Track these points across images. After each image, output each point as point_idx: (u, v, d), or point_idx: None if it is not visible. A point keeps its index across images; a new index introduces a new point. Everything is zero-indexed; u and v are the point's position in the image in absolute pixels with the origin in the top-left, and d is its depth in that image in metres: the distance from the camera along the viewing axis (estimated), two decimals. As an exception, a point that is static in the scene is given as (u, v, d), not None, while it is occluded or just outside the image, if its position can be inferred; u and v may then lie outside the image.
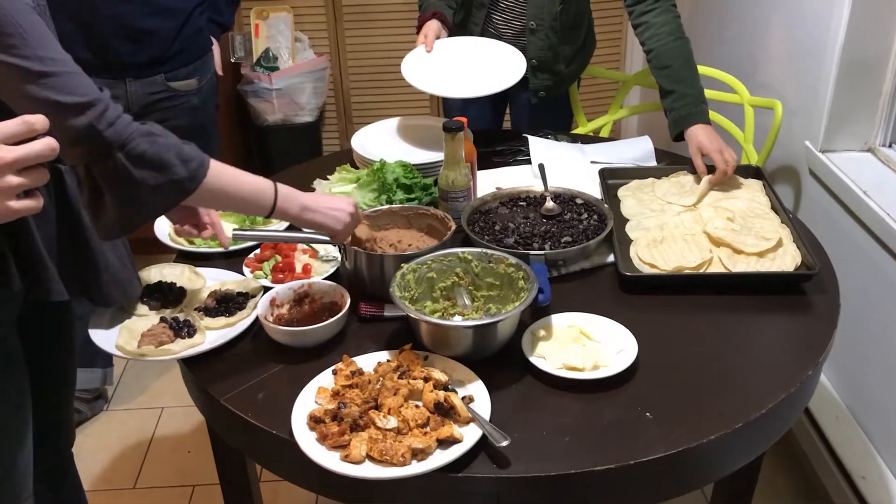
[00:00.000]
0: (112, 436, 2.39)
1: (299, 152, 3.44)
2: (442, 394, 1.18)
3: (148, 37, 2.10)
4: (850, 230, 1.89)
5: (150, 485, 2.23)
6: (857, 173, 1.90)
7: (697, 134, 1.79)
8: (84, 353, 2.35)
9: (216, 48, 2.31)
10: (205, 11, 2.22)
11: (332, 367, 1.27)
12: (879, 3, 1.83)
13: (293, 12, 3.37)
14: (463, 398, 1.19)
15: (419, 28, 2.11)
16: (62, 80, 1.13)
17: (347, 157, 2.03)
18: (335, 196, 1.47)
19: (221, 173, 1.24)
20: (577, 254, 1.53)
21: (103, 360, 2.41)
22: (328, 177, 1.83)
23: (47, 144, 0.86)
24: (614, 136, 2.29)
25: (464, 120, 1.69)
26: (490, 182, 1.84)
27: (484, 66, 2.01)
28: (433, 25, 2.07)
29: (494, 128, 2.40)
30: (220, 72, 2.34)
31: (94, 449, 2.32)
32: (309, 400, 1.22)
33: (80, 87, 1.15)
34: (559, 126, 2.29)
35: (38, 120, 0.84)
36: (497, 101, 2.36)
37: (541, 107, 2.25)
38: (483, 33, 2.19)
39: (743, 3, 2.48)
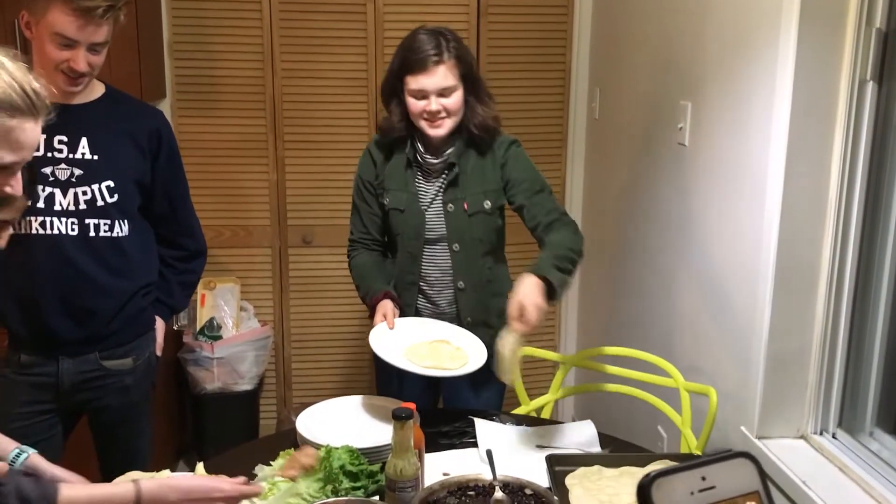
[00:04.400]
0: None
1: (236, 421, 3.37)
2: None
3: (87, 315, 2.08)
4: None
5: None
6: (793, 461, 1.95)
7: (523, 284, 1.88)
8: None
9: (160, 329, 2.28)
10: (151, 293, 2.22)
11: None
12: (799, 296, 1.99)
13: (240, 283, 3.47)
14: None
15: (372, 309, 2.18)
16: None
17: (289, 437, 2.00)
18: (212, 481, 1.48)
19: (72, 499, 1.26)
20: (529, 552, 1.49)
21: None
22: (271, 462, 1.78)
23: None
24: (554, 416, 2.32)
25: (412, 406, 1.70)
26: (437, 467, 1.82)
27: (448, 345, 2.11)
28: (389, 305, 2.16)
29: (430, 402, 2.42)
30: (158, 353, 2.28)
31: None
32: None
33: None
34: (492, 399, 2.34)
35: None
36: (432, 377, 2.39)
37: (472, 385, 2.31)
38: (418, 312, 2.29)
39: (674, 290, 2.66)
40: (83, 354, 2.11)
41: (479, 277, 2.27)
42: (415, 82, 2.12)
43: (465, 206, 2.21)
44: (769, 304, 1.99)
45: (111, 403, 2.18)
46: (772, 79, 1.95)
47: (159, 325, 2.28)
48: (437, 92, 2.11)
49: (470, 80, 2.17)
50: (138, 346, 2.19)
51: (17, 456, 1.40)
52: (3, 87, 1.16)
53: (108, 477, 2.19)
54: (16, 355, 2.10)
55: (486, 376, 2.27)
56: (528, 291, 1.86)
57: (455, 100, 2.14)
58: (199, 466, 1.76)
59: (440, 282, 2.29)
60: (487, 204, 2.22)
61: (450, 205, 2.22)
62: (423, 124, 2.16)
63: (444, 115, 2.14)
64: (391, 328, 2.11)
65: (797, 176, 1.93)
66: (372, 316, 2.18)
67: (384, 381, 2.38)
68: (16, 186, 1.25)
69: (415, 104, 2.14)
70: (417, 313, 2.29)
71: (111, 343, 2.13)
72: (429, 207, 2.24)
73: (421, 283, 2.29)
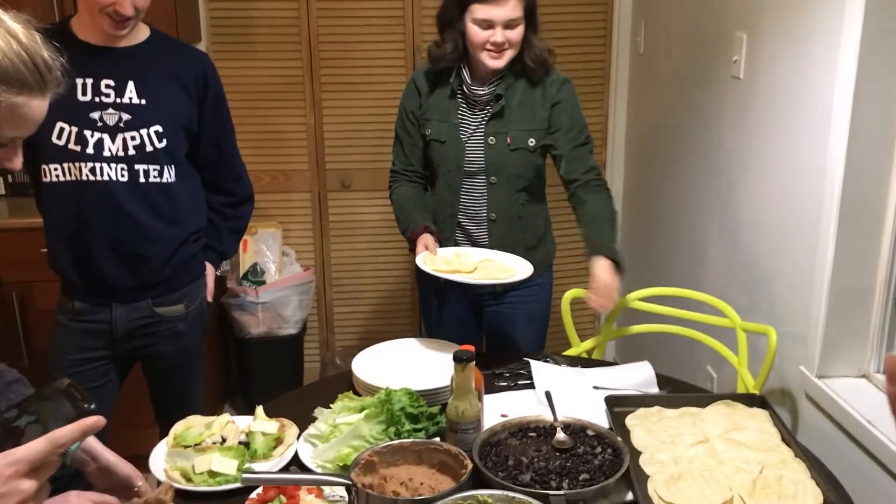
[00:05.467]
0: None
1: (281, 365, 3.40)
2: None
3: (139, 262, 2.07)
4: (853, 457, 1.87)
5: None
6: (856, 400, 1.91)
7: (602, 265, 2.02)
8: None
9: (210, 275, 2.28)
10: (200, 239, 2.21)
11: None
12: (864, 234, 1.92)
13: (281, 228, 3.45)
14: None
15: (412, 242, 2.21)
16: None
17: (343, 379, 2.00)
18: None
19: None
20: (597, 493, 1.47)
21: None
22: (330, 405, 1.78)
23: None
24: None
25: (471, 348, 1.69)
26: (494, 409, 1.81)
27: (492, 263, 2.17)
28: (429, 237, 2.19)
29: (474, 334, 2.45)
30: (209, 298, 2.28)
31: None
32: None
33: None
34: (535, 335, 2.39)
35: (63, 436, 0.75)
36: (475, 311, 2.42)
37: (515, 321, 2.35)
38: (456, 244, 2.31)
39: (728, 230, 2.60)
40: (136, 301, 2.11)
41: (511, 212, 2.28)
42: (483, 11, 2.10)
43: (508, 140, 2.21)
44: (833, 241, 1.93)
45: (164, 350, 2.19)
46: (840, 4, 1.86)
47: (209, 271, 2.27)
48: (503, 23, 2.09)
49: (531, 12, 2.17)
50: (190, 293, 2.19)
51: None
52: (12, 59, 1.05)
53: (163, 423, 2.22)
54: (70, 302, 2.11)
55: (529, 313, 2.35)
56: (606, 276, 2.00)
57: (519, 32, 2.13)
58: (259, 410, 1.77)
59: (477, 214, 2.30)
60: (532, 141, 2.22)
61: (491, 137, 2.21)
62: (484, 55, 2.14)
63: (506, 46, 2.12)
64: (434, 254, 2.15)
65: (865, 108, 1.85)
66: (412, 250, 2.21)
67: (429, 316, 2.44)
68: (16, 161, 1.15)
69: (478, 34, 2.12)
70: (456, 245, 2.32)
71: (163, 290, 2.13)
72: (469, 139, 2.24)
73: (459, 216, 2.30)
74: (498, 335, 2.43)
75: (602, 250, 2.04)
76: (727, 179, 2.55)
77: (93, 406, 0.76)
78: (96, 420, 0.74)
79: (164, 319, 2.16)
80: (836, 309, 1.97)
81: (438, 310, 2.42)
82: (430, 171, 2.34)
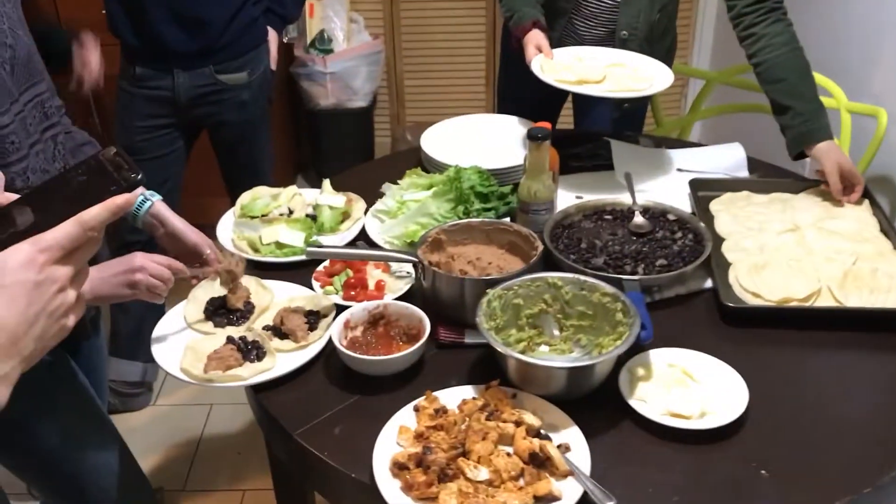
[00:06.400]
0: (159, 433, 2.32)
1: (351, 138, 3.34)
2: (537, 442, 1.07)
3: (196, 24, 1.99)
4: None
5: (200, 487, 2.16)
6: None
7: (830, 151, 1.63)
8: (125, 345, 2.29)
9: (273, 41, 2.17)
10: (261, 2, 2.09)
11: (414, 404, 1.17)
12: None
13: (349, -8, 3.26)
14: (558, 447, 1.08)
15: (518, 39, 1.85)
16: None
17: (413, 155, 1.92)
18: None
19: None
20: (674, 279, 1.41)
21: (145, 353, 2.33)
22: (398, 181, 1.72)
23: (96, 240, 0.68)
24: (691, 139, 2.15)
25: (548, 125, 1.57)
26: (570, 190, 1.72)
27: (624, 68, 1.83)
28: (540, 35, 1.81)
29: (556, 114, 2.23)
30: (273, 66, 2.19)
31: (141, 446, 2.24)
32: (390, 440, 1.12)
33: None
34: (631, 126, 2.15)
35: (93, 218, 0.67)
36: (559, 99, 2.20)
37: (611, 110, 2.12)
38: (561, 42, 1.97)
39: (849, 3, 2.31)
40: (198, 68, 2.05)
41: (650, 30, 1.91)
42: None
43: None
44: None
45: (229, 119, 2.14)
46: None
47: (272, 36, 2.18)
48: None
49: None
50: (253, 60, 2.11)
51: (142, 203, 1.35)
52: None
53: (233, 192, 2.22)
54: (131, 67, 2.06)
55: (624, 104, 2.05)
56: (842, 161, 1.62)
57: None
58: (326, 183, 1.72)
59: (599, 22, 1.94)
60: None
61: None
62: None
63: None
64: (550, 58, 1.81)
65: None
66: (517, 42, 1.85)
67: (503, 95, 2.22)
68: None
69: None
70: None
71: (225, 56, 2.06)
72: None
73: (573, 16, 1.94)
74: (588, 124, 2.19)
75: (816, 134, 1.65)
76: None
77: (140, 176, 0.70)
78: (127, 199, 0.67)
79: (228, 88, 2.10)
80: (961, 90, 1.76)
81: (521, 89, 2.06)
82: None
